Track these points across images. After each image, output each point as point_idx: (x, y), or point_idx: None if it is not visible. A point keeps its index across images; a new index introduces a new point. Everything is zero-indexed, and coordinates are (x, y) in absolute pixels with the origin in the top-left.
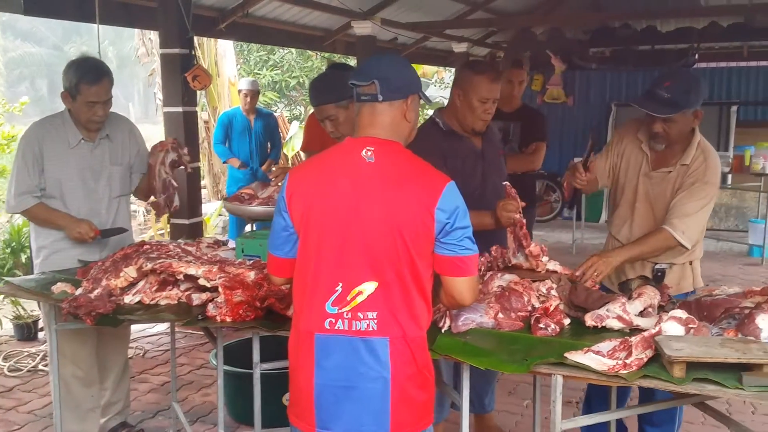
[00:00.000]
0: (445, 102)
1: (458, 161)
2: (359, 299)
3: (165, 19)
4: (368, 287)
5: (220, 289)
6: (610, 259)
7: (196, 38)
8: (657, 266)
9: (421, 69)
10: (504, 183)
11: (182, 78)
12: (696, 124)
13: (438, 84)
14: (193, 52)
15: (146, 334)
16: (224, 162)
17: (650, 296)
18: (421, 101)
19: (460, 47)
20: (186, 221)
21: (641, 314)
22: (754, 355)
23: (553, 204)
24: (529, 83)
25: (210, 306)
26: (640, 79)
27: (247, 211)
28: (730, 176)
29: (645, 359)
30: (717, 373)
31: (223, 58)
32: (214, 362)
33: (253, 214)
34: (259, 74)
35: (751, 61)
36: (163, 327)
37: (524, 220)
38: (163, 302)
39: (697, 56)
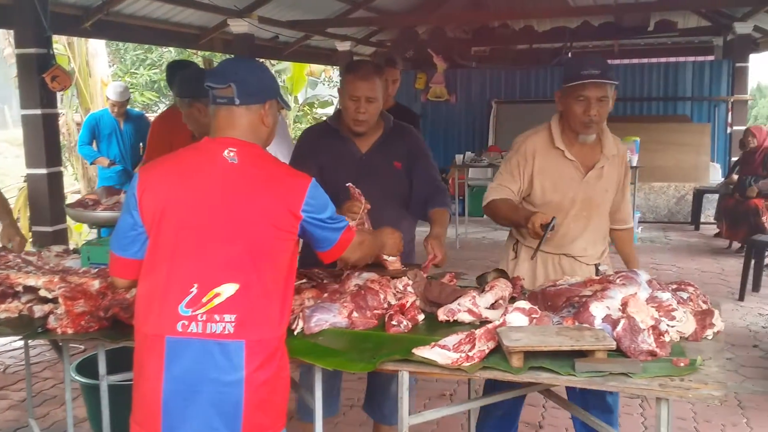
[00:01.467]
0: (334, 101)
1: (331, 160)
2: (216, 301)
3: (20, 17)
4: (228, 289)
5: (60, 300)
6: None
7: (65, 38)
8: (600, 267)
9: (308, 67)
10: (347, 185)
11: (40, 79)
12: (611, 106)
13: (327, 82)
14: (52, 52)
15: (7, 348)
16: (91, 163)
17: (502, 289)
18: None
19: (343, 46)
20: (49, 228)
21: (492, 307)
22: (587, 342)
23: None
24: (413, 81)
25: (51, 318)
26: (518, 77)
27: (90, 217)
28: None
29: (487, 351)
30: (553, 361)
31: (94, 57)
32: (75, 376)
33: (98, 220)
34: (137, 73)
35: (623, 59)
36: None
37: (367, 221)
38: (2, 315)
39: (570, 54)
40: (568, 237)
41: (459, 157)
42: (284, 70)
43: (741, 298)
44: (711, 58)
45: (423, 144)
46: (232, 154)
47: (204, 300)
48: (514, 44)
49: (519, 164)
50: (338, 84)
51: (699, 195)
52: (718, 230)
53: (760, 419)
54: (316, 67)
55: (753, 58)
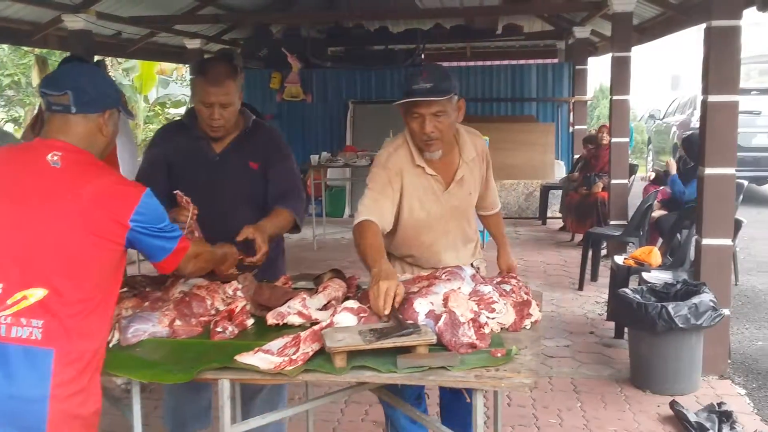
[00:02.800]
0: (188, 100)
1: (183, 160)
2: (23, 304)
3: None
4: (36, 293)
5: None
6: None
7: None
8: (474, 263)
9: (158, 66)
10: (175, 192)
11: None
12: (460, 116)
13: (179, 81)
14: None
15: None
16: None
17: (335, 289)
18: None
19: (193, 43)
20: None
21: (326, 308)
22: (408, 339)
23: None
24: (268, 81)
25: None
26: (374, 78)
27: None
28: None
29: (311, 353)
30: (377, 359)
31: None
32: None
33: None
34: None
35: (475, 61)
36: None
37: (197, 229)
38: None
39: (423, 56)
40: (439, 252)
41: (314, 158)
42: (132, 69)
43: (580, 287)
44: (555, 60)
45: (282, 144)
46: (56, 158)
47: (9, 302)
48: (369, 45)
49: (391, 181)
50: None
51: (545, 191)
52: (563, 224)
53: (592, 402)
54: (167, 65)
55: (592, 61)
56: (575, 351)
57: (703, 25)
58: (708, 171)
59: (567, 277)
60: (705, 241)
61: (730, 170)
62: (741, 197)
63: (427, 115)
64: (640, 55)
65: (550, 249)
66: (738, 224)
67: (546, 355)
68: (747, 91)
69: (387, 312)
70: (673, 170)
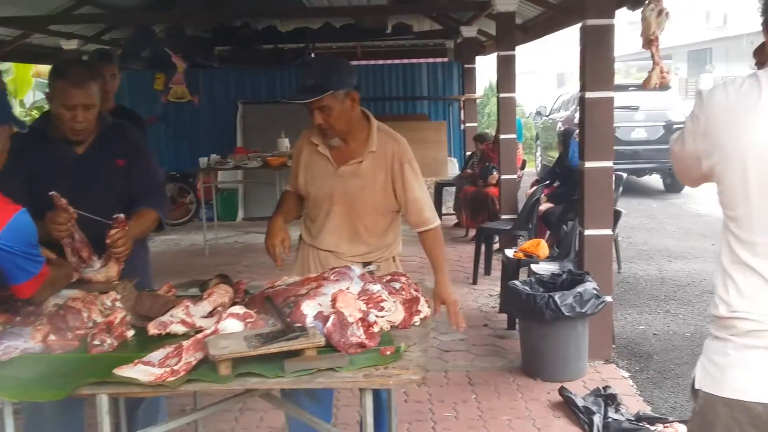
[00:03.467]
0: None
1: (42, 168)
2: None
3: None
4: None
5: None
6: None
7: None
8: (367, 267)
9: (34, 68)
10: (51, 193)
11: None
12: (355, 107)
13: None
14: None
15: None
16: None
17: (220, 295)
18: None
19: (70, 44)
20: None
21: (211, 315)
22: (296, 342)
23: (188, 205)
24: (152, 82)
25: None
26: (264, 78)
27: None
28: None
29: (194, 362)
30: (263, 365)
31: None
32: None
33: None
34: None
35: (368, 60)
36: None
37: (77, 231)
38: None
39: (312, 55)
40: (323, 232)
41: (203, 160)
42: (6, 72)
43: (474, 281)
44: (445, 59)
45: (143, 143)
46: None
47: None
48: (257, 44)
49: (298, 155)
50: None
51: (439, 188)
52: (457, 220)
53: (487, 393)
54: (44, 68)
55: (480, 59)
56: (470, 344)
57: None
58: (588, 164)
59: (462, 272)
60: (587, 232)
61: (608, 163)
62: (621, 189)
63: (314, 109)
64: (531, 52)
65: (445, 245)
66: (617, 215)
67: (441, 349)
68: (625, 87)
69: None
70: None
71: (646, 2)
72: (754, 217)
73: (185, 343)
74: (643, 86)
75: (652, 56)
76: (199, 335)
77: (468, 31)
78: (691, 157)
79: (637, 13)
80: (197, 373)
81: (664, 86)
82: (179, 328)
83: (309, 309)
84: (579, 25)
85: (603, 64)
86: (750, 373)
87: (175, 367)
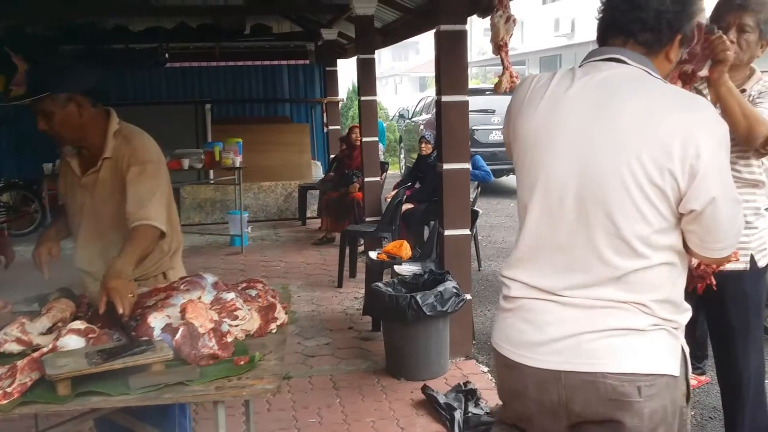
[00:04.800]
0: None
1: None
2: None
3: None
4: None
5: None
6: (122, 277)
7: None
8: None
9: None
10: None
11: None
12: (83, 113)
13: None
14: None
15: None
16: None
17: (60, 310)
18: None
19: None
20: None
21: (50, 331)
22: (141, 357)
23: (33, 214)
24: None
25: None
26: (114, 78)
27: None
28: (212, 171)
29: (29, 382)
30: (106, 383)
31: None
32: None
33: None
34: None
35: (227, 61)
36: None
37: None
38: None
39: (167, 55)
40: (77, 249)
41: (48, 166)
42: None
43: (339, 284)
44: (306, 62)
45: None
46: None
47: None
48: (107, 43)
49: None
50: None
51: (303, 191)
52: (321, 224)
53: (351, 396)
54: None
55: (342, 62)
56: (335, 348)
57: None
58: (445, 166)
59: (327, 276)
60: (446, 232)
61: (465, 165)
62: (479, 189)
63: (36, 113)
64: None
65: (310, 249)
66: (475, 214)
67: (306, 355)
68: (482, 92)
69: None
70: None
71: (495, 9)
72: (520, 186)
73: (19, 363)
74: (495, 90)
75: (502, 61)
76: (36, 354)
77: (328, 34)
78: (506, 143)
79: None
80: (34, 394)
81: (514, 90)
82: (14, 347)
83: (156, 321)
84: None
85: (457, 68)
86: (497, 326)
87: (8, 389)
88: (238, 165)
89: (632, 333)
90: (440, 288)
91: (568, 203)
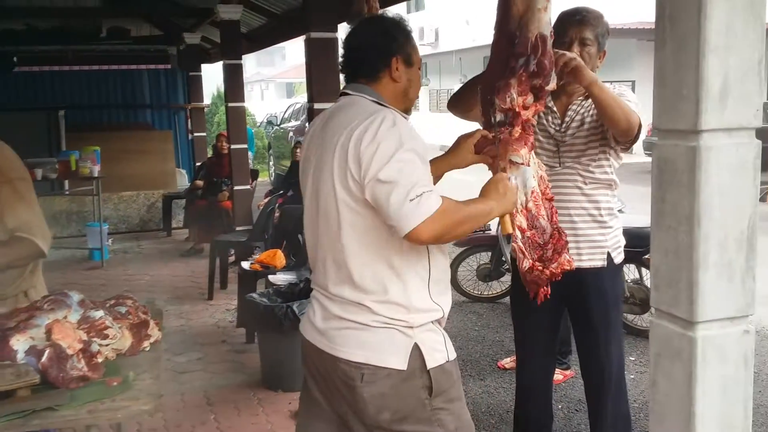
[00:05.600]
0: None
1: None
2: None
3: None
4: None
5: None
6: None
7: None
8: None
9: None
10: None
11: None
12: None
13: None
14: None
15: None
16: None
17: None
18: None
19: None
20: None
21: None
22: (3, 383)
23: None
24: None
25: None
26: None
27: None
28: (67, 182)
29: None
30: None
31: None
32: None
33: None
34: None
35: (81, 65)
36: None
37: None
38: None
39: (15, 59)
40: None
41: None
42: None
43: (210, 297)
44: (168, 66)
45: None
46: None
47: None
48: None
49: None
50: None
51: (168, 201)
52: (189, 234)
53: (226, 411)
54: None
55: (206, 67)
56: (208, 363)
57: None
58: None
59: (196, 288)
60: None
61: None
62: None
63: None
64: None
65: (177, 260)
66: None
67: (176, 371)
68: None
69: None
70: None
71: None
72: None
73: None
74: None
75: None
76: None
77: (191, 38)
78: None
79: None
80: None
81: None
82: None
83: (19, 344)
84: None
85: (328, 75)
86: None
87: None
88: (96, 174)
89: (361, 327)
90: None
91: (316, 216)
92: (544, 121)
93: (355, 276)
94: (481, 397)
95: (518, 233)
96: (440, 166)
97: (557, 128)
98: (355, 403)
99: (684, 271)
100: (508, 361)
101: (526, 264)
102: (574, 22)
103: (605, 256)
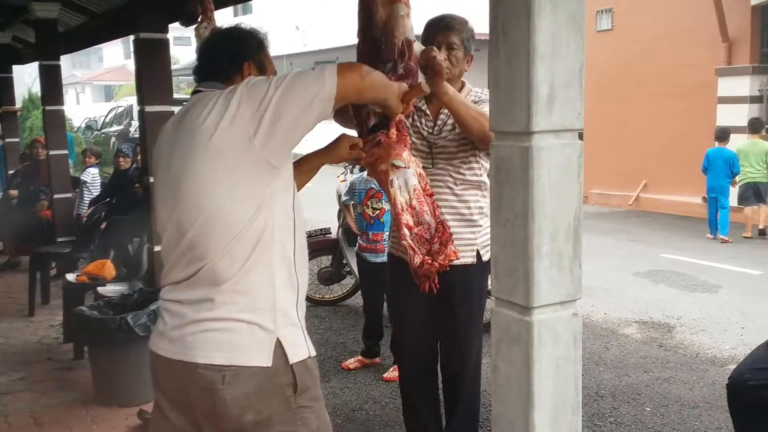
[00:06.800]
0: None
1: None
2: None
3: None
4: None
5: None
6: None
7: None
8: None
9: None
10: None
11: None
12: None
13: None
14: None
15: None
16: None
17: None
18: None
19: None
20: None
21: None
22: None
23: None
24: None
25: None
26: None
27: None
28: None
29: None
30: None
31: None
32: None
33: None
34: None
35: None
36: None
37: None
38: None
39: None
40: None
41: None
42: None
43: (31, 313)
44: None
45: None
46: None
47: None
48: None
49: None
50: None
51: None
52: (3, 247)
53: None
54: None
55: (18, 68)
56: (33, 382)
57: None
58: (153, 179)
59: (14, 304)
60: (156, 248)
61: None
62: None
63: None
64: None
65: None
66: None
67: None
68: (180, 102)
69: None
70: None
71: (200, 20)
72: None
73: None
74: None
75: None
76: None
77: (1, 38)
78: None
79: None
80: None
81: None
82: None
83: None
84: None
85: (160, 78)
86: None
87: None
88: None
89: (219, 329)
90: (153, 306)
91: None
92: (418, 124)
93: (213, 275)
94: (326, 398)
95: (406, 231)
96: (315, 159)
97: (430, 131)
98: (215, 408)
99: (521, 261)
100: (352, 362)
101: (417, 260)
102: (440, 28)
103: (474, 254)
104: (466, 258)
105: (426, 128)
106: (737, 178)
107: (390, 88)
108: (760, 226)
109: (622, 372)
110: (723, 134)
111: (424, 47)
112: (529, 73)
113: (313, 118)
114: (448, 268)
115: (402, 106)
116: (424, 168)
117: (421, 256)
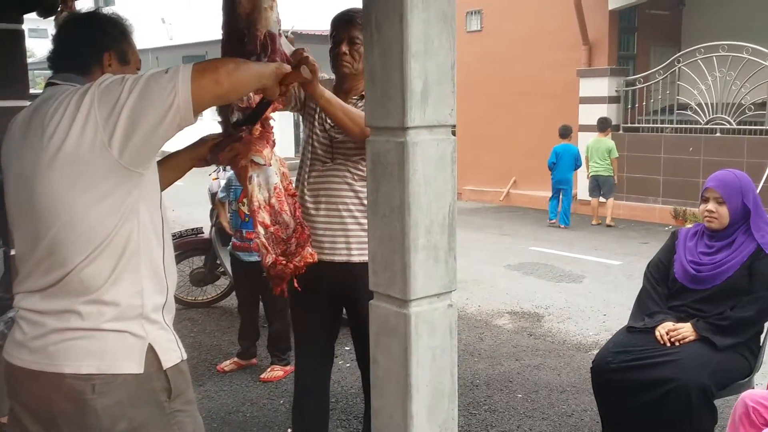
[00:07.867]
0: None
1: None
2: None
3: None
4: None
5: None
6: None
7: None
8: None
9: None
10: None
11: None
12: None
13: None
14: None
15: None
16: None
17: None
18: None
19: None
20: None
21: None
22: None
23: None
24: None
25: None
26: None
27: None
28: None
29: None
30: None
31: None
32: None
33: None
34: None
35: None
36: None
37: None
38: None
39: None
40: None
41: None
42: None
43: None
44: None
45: None
46: None
47: None
48: None
49: None
50: None
51: None
52: None
53: None
54: None
55: None
56: None
57: None
58: (3, 176)
59: None
60: (13, 252)
61: None
62: None
63: None
64: None
65: None
66: None
67: None
68: (35, 97)
69: None
70: None
71: (59, 10)
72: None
73: None
74: None
75: None
76: None
77: None
78: None
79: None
80: None
81: None
82: None
83: None
84: None
85: (15, 71)
86: None
87: None
88: None
89: (86, 335)
90: (10, 314)
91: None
92: (322, 117)
93: (78, 284)
94: (201, 402)
95: (261, 229)
96: (180, 160)
97: (331, 125)
98: (85, 419)
99: (398, 255)
100: (228, 364)
101: (269, 259)
102: (343, 23)
103: None
104: (364, 256)
105: (328, 122)
106: (587, 172)
107: (262, 76)
108: (607, 222)
109: (495, 361)
110: (566, 131)
111: (291, 43)
112: (403, 70)
113: (173, 129)
114: (303, 271)
115: (280, 88)
116: (323, 163)
117: (273, 255)
